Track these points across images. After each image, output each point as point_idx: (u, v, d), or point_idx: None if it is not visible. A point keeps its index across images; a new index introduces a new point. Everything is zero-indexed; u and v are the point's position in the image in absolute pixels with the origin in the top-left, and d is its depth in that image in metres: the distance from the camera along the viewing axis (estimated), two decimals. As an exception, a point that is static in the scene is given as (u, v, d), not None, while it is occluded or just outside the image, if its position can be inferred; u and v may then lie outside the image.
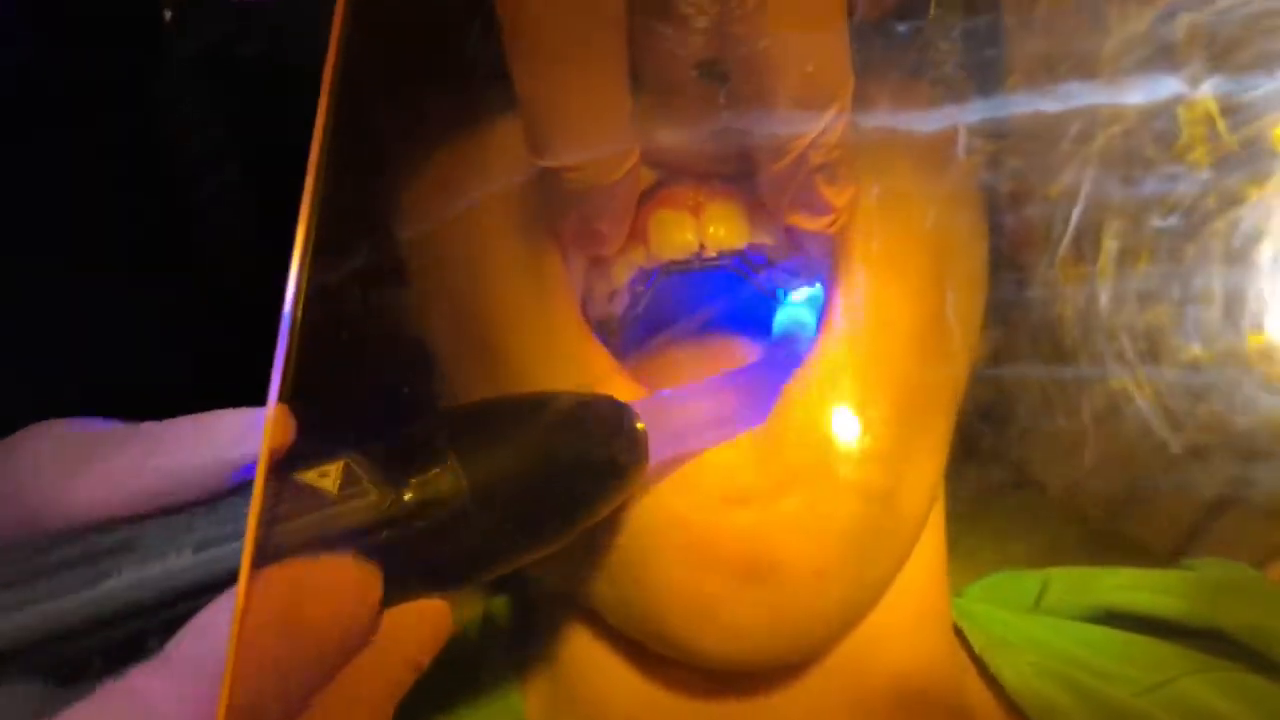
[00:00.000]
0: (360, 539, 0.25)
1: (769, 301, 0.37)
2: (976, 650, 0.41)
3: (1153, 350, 0.58)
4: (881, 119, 0.35)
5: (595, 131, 0.30)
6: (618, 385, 0.35)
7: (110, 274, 0.43)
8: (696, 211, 0.35)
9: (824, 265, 0.35)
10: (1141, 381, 0.58)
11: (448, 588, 0.27)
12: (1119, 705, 0.39)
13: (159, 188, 0.44)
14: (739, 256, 0.36)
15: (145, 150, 0.43)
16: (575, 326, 0.35)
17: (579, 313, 0.35)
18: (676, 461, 0.34)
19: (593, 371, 0.35)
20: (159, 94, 0.39)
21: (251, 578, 0.23)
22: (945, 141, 0.37)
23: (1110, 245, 0.56)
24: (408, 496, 0.26)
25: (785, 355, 0.36)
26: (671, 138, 0.33)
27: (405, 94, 0.37)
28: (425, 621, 0.27)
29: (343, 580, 0.25)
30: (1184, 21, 0.44)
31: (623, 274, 0.36)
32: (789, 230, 0.35)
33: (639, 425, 0.31)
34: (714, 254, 0.36)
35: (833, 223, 0.33)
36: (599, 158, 0.30)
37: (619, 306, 0.37)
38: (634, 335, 0.38)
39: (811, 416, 0.34)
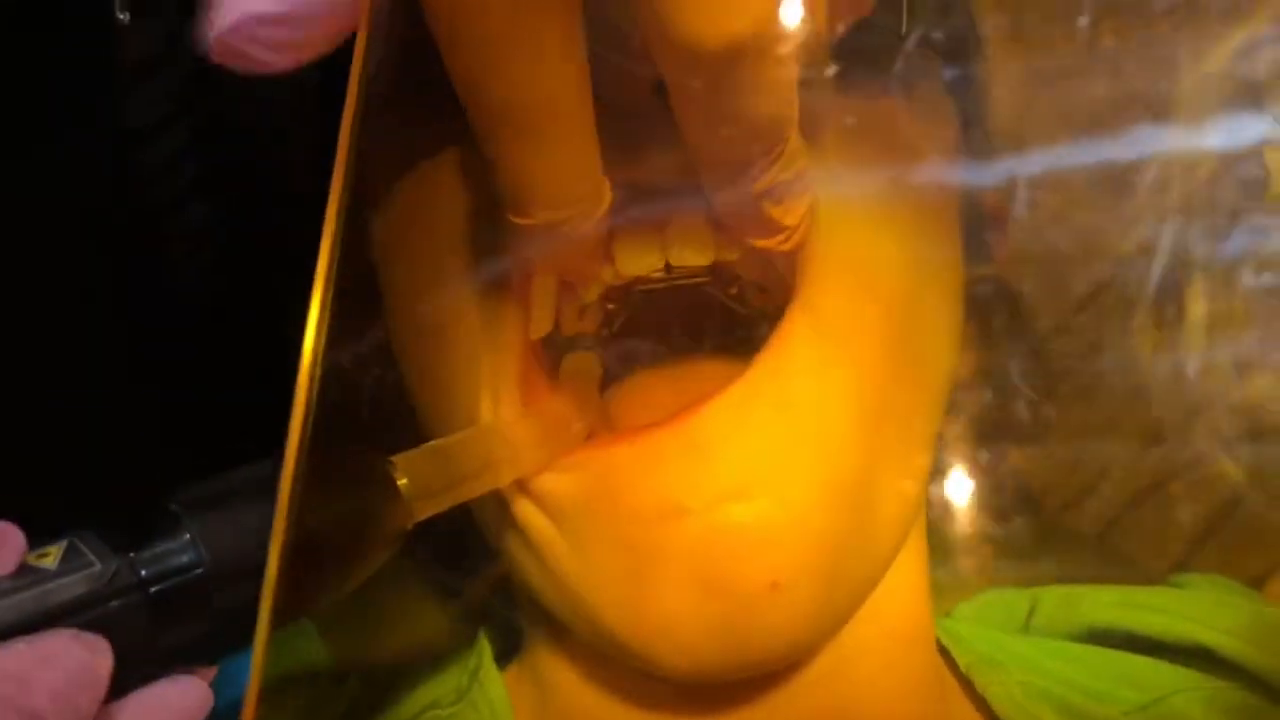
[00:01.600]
0: (85, 611, 0.24)
1: (742, 318, 0.37)
2: (963, 669, 0.39)
3: (1253, 428, 0.53)
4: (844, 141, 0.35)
5: (571, 189, 0.30)
6: (551, 408, 0.35)
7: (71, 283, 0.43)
8: (661, 229, 0.35)
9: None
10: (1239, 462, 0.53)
11: (199, 662, 0.26)
12: None
13: (118, 192, 0.44)
14: (709, 272, 0.36)
15: (102, 155, 0.43)
16: (516, 349, 0.35)
17: (523, 335, 0.35)
18: (604, 460, 0.33)
19: (529, 394, 0.35)
20: (114, 97, 0.39)
21: None
22: (916, 157, 0.37)
23: (1196, 308, 0.53)
24: (141, 569, 0.25)
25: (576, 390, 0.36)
26: (633, 160, 0.33)
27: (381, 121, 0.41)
28: (176, 700, 0.25)
29: (64, 652, 0.23)
30: (1267, 56, 0.43)
31: (592, 291, 0.36)
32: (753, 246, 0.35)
33: (401, 481, 0.29)
34: (680, 271, 0.35)
35: (786, 239, 0.32)
36: (580, 209, 0.30)
37: (591, 323, 0.36)
38: (614, 353, 0.37)
39: (757, 418, 0.32)
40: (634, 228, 0.35)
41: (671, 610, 0.32)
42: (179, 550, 0.25)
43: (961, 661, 0.40)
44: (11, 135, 0.40)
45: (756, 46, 0.26)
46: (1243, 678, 0.39)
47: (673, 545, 0.31)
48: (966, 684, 0.39)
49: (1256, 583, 0.60)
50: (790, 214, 0.32)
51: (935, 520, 0.52)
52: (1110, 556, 0.56)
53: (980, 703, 0.39)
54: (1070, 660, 0.41)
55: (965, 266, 0.42)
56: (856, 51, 0.37)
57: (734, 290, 0.36)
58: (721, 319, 0.36)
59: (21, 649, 0.23)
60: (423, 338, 0.37)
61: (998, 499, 0.62)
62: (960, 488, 0.53)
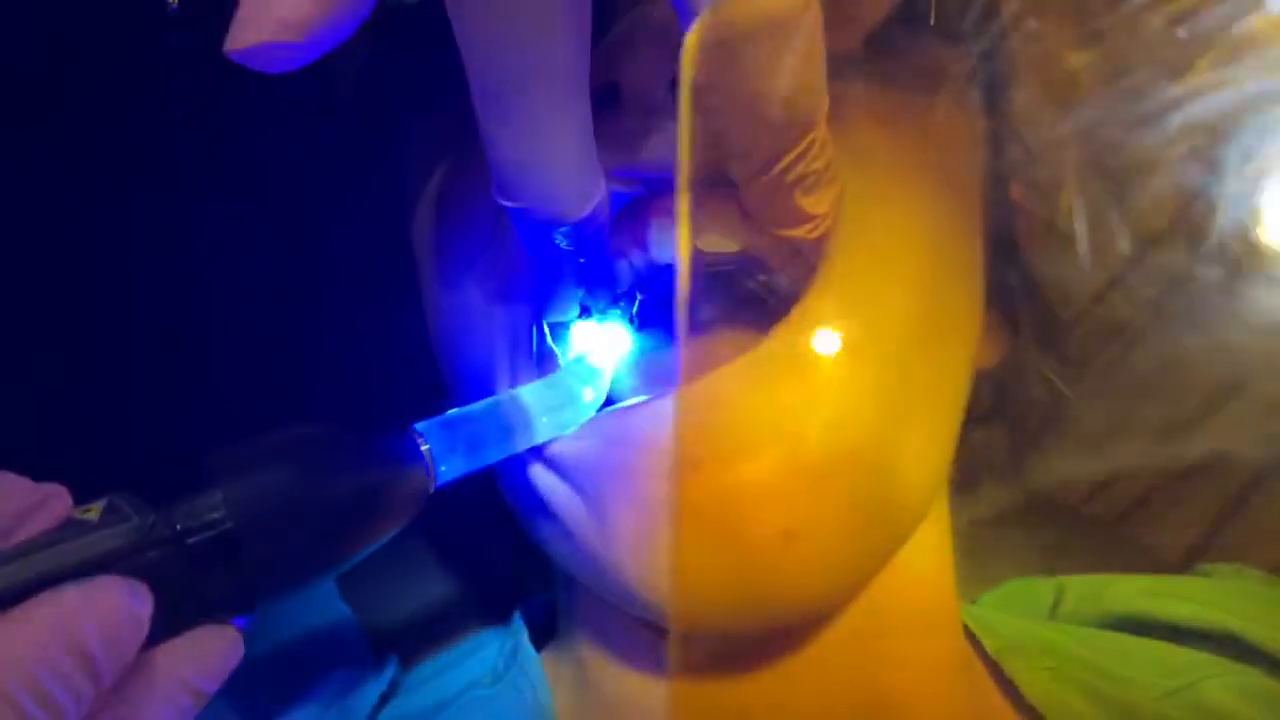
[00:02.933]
0: (126, 560, 0.25)
1: (770, 305, 0.37)
2: (992, 654, 0.40)
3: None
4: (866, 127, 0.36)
5: (562, 179, 0.30)
6: (564, 379, 0.35)
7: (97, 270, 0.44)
8: (692, 215, 0.35)
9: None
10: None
11: (231, 614, 0.27)
12: (1138, 709, 0.38)
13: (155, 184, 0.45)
14: (739, 260, 0.36)
15: (143, 143, 0.44)
16: (518, 335, 0.36)
17: (524, 323, 0.36)
18: (619, 425, 0.34)
19: (544, 366, 0.36)
20: (160, 87, 0.39)
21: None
22: (940, 137, 0.37)
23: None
24: (175, 522, 0.26)
25: (588, 364, 0.36)
26: (656, 156, 0.34)
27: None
28: (209, 647, 0.26)
29: (109, 595, 0.24)
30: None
31: (624, 279, 0.36)
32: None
33: (425, 447, 0.31)
34: (711, 258, 0.35)
35: (814, 228, 0.33)
36: (567, 200, 0.31)
37: (628, 311, 0.37)
38: (644, 335, 0.38)
39: (763, 385, 0.33)
40: (666, 216, 0.35)
41: (687, 562, 0.32)
42: (210, 507, 0.26)
43: (990, 646, 0.40)
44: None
45: (786, 22, 0.27)
46: (1269, 664, 0.40)
47: (687, 499, 0.32)
48: (995, 668, 0.40)
49: (1275, 570, 0.61)
50: (820, 203, 0.32)
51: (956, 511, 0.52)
52: (1129, 546, 0.56)
53: (1009, 687, 0.39)
54: (1097, 647, 0.41)
55: (990, 253, 0.43)
56: (885, 41, 0.37)
57: (763, 278, 0.36)
58: (751, 305, 0.36)
59: (71, 592, 0.24)
60: (447, 316, 0.38)
61: (1017, 490, 0.63)
62: (980, 479, 0.54)
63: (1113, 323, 0.64)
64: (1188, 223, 0.61)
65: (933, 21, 0.39)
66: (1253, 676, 0.39)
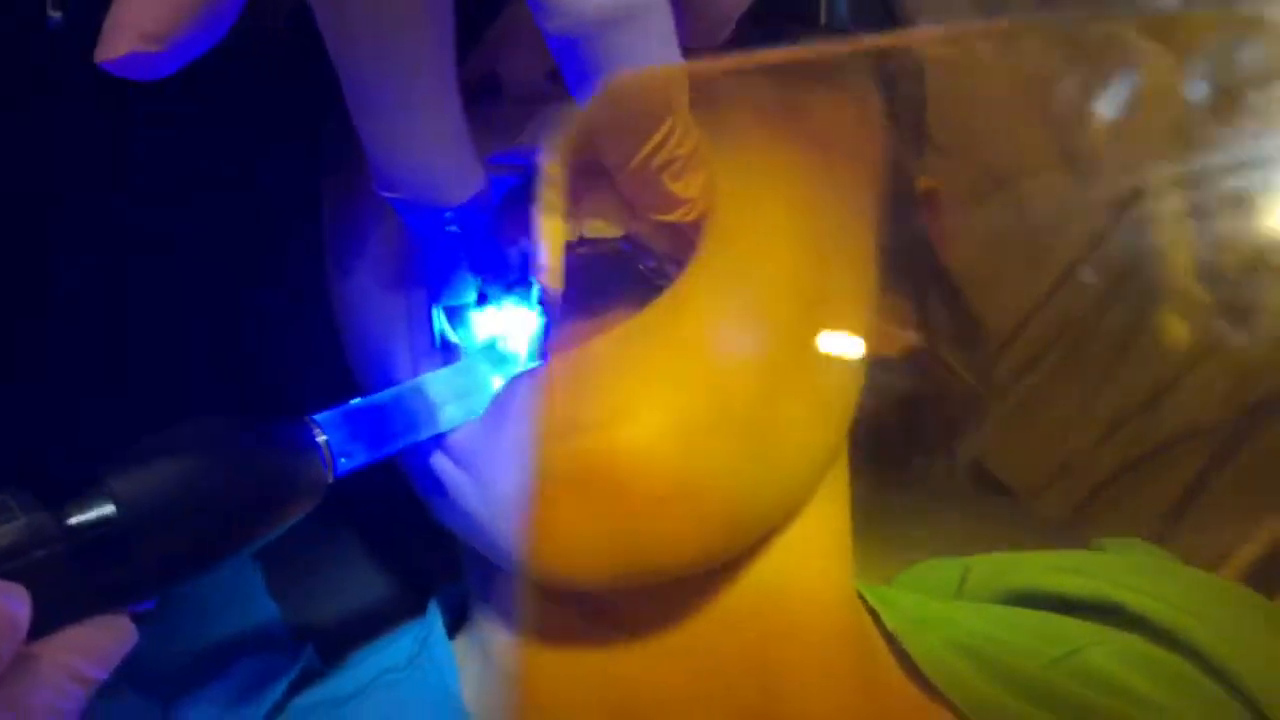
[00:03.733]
0: (10, 560, 0.26)
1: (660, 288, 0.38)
2: (890, 628, 0.41)
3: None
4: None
5: (434, 169, 0.31)
6: (466, 368, 0.37)
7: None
8: (575, 202, 0.36)
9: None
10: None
11: (123, 605, 0.28)
12: (1026, 675, 0.40)
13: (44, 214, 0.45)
14: (629, 245, 0.37)
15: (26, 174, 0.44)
16: (414, 323, 0.37)
17: (419, 311, 0.37)
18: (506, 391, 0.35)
19: (446, 356, 0.37)
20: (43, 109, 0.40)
21: None
22: (825, 130, 0.39)
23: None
24: (63, 519, 0.26)
25: (492, 350, 0.37)
26: (536, 142, 0.34)
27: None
28: (97, 637, 0.27)
29: None
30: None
31: (516, 263, 0.37)
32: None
33: (320, 439, 0.32)
34: (594, 243, 0.37)
35: (687, 212, 0.34)
36: (441, 189, 0.32)
37: (524, 298, 0.38)
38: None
39: (638, 354, 0.34)
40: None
41: (567, 523, 0.33)
42: (100, 504, 0.27)
43: (889, 622, 0.42)
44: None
45: (628, 14, 0.28)
46: (1148, 631, 0.42)
47: (565, 463, 0.33)
48: (893, 643, 0.41)
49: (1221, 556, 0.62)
50: (688, 187, 0.33)
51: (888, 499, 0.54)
52: (1043, 526, 0.58)
53: (905, 660, 0.41)
54: (993, 620, 0.43)
55: (899, 245, 0.44)
56: (772, 39, 0.39)
57: (653, 264, 0.38)
58: (645, 289, 0.37)
59: None
60: (350, 305, 0.39)
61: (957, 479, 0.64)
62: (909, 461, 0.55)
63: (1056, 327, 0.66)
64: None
65: (824, 21, 0.41)
66: (1133, 643, 0.41)
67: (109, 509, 0.27)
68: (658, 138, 0.31)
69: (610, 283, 0.38)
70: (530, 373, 0.35)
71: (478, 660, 0.41)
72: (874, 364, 0.44)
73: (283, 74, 0.40)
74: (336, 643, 0.43)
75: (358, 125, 0.31)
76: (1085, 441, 0.68)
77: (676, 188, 0.33)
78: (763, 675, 0.38)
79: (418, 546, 0.48)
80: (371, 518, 0.48)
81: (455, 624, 0.43)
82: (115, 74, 0.28)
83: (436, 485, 0.37)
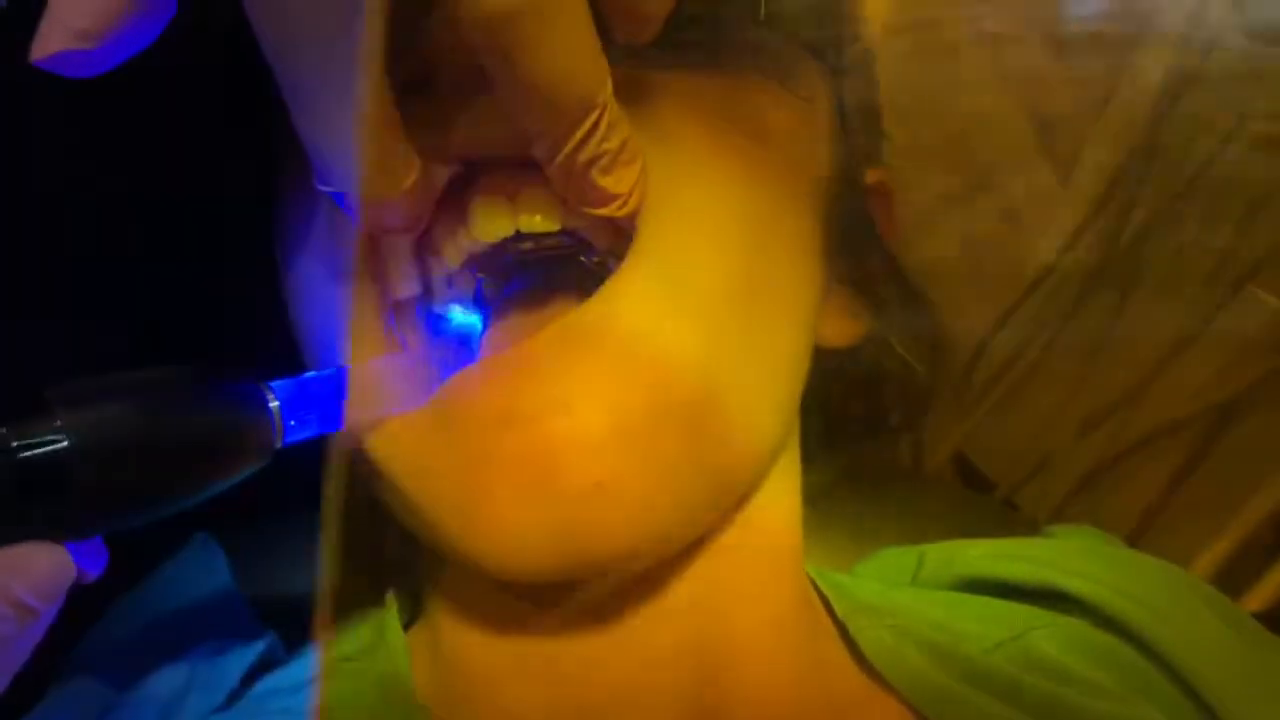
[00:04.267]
0: None
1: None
2: (839, 616, 0.42)
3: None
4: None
5: (366, 163, 0.31)
6: (403, 361, 0.37)
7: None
8: (512, 197, 0.37)
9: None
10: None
11: (59, 538, 0.28)
12: (971, 660, 0.40)
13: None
14: (572, 240, 0.38)
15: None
16: (366, 310, 0.38)
17: (371, 297, 0.38)
18: (448, 385, 0.35)
19: (370, 351, 0.37)
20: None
21: None
22: (762, 122, 0.39)
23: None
24: (10, 439, 0.27)
25: (439, 343, 0.38)
26: (470, 137, 0.35)
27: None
28: (34, 561, 0.27)
29: None
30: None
31: (454, 257, 0.38)
32: None
33: (273, 403, 0.32)
34: (533, 237, 0.37)
35: (621, 206, 0.34)
36: (375, 182, 0.32)
37: (463, 291, 0.39)
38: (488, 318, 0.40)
39: (575, 346, 0.35)
40: (486, 196, 0.37)
41: (504, 513, 0.34)
42: (47, 429, 0.28)
43: (839, 609, 0.42)
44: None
45: (532, 8, 0.28)
46: (1090, 615, 0.42)
47: (502, 452, 0.34)
48: (842, 630, 0.42)
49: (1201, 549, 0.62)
50: (620, 182, 0.34)
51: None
52: (1004, 515, 0.58)
53: (853, 646, 0.41)
54: (941, 606, 0.44)
55: (849, 239, 0.45)
56: (705, 31, 0.39)
57: (595, 258, 0.38)
58: (584, 286, 0.38)
59: None
60: (300, 298, 0.40)
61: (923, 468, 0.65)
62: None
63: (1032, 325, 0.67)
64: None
65: (762, 16, 0.42)
66: (1076, 627, 0.42)
67: (57, 439, 0.27)
68: (581, 132, 0.31)
69: (553, 277, 0.39)
70: (468, 368, 0.35)
71: (429, 650, 0.41)
72: (827, 353, 0.44)
73: (224, 71, 0.41)
74: (298, 630, 0.44)
75: (294, 119, 0.31)
76: (1065, 437, 0.68)
77: (606, 182, 0.33)
78: (706, 664, 0.39)
79: (380, 537, 0.48)
80: (337, 510, 0.49)
81: (415, 616, 0.44)
82: (49, 71, 0.28)
83: (381, 476, 0.37)
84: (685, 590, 0.38)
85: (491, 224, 0.37)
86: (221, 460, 0.31)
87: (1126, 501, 0.67)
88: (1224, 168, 0.62)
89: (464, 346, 0.39)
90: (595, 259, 0.38)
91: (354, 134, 0.31)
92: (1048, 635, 0.41)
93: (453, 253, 0.38)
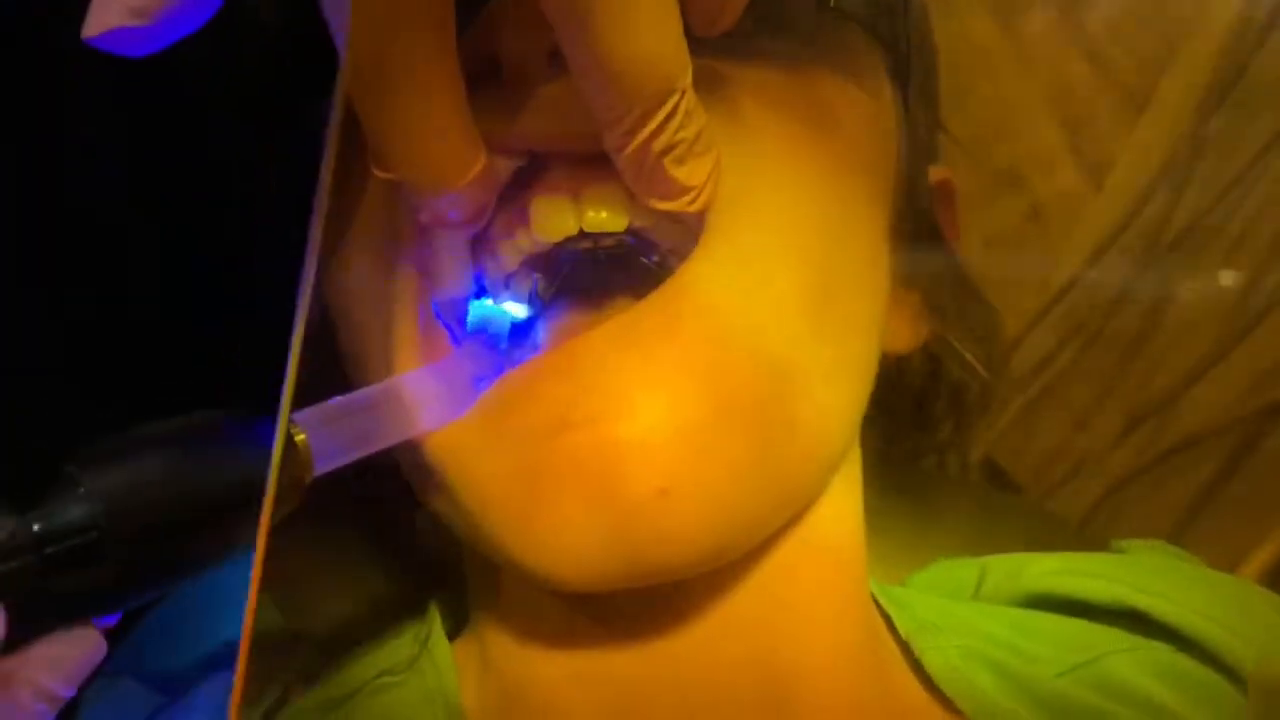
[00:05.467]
0: None
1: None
2: (902, 635, 0.40)
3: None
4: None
5: (431, 148, 0.30)
6: (452, 365, 0.35)
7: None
8: (576, 195, 0.35)
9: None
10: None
11: (90, 615, 0.27)
12: (1041, 685, 0.38)
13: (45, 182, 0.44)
14: (634, 239, 0.36)
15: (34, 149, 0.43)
16: (408, 314, 0.36)
17: (415, 301, 0.36)
18: (496, 390, 0.34)
19: (432, 353, 0.36)
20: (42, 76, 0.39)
21: None
22: (837, 120, 0.37)
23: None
24: (35, 527, 0.25)
25: (481, 347, 0.36)
26: (537, 127, 0.34)
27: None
28: (66, 651, 0.26)
29: None
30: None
31: (512, 258, 0.36)
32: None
33: (299, 437, 0.30)
34: (595, 236, 0.36)
35: (693, 200, 0.33)
36: (439, 170, 0.31)
37: (520, 293, 0.37)
38: (546, 319, 0.38)
39: (634, 347, 0.33)
40: (549, 193, 0.35)
41: (562, 522, 0.32)
42: (74, 508, 0.26)
43: (902, 628, 0.40)
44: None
45: None
46: (1171, 639, 0.40)
47: (558, 460, 0.32)
48: (906, 649, 0.40)
49: (1237, 558, 0.61)
50: (693, 174, 0.32)
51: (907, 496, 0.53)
52: (1060, 526, 0.57)
53: (918, 666, 0.40)
54: (1010, 624, 0.41)
55: (914, 239, 0.43)
56: (778, 19, 0.37)
57: (656, 258, 0.37)
58: (646, 284, 0.36)
59: None
60: (347, 293, 0.38)
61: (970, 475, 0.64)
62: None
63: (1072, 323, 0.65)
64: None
65: (833, 3, 0.40)
66: (1157, 651, 0.40)
67: (82, 511, 0.26)
68: (658, 119, 0.30)
69: (612, 276, 0.37)
70: (522, 367, 0.34)
71: (477, 663, 0.40)
72: (886, 358, 0.43)
73: (277, 55, 0.39)
74: (334, 644, 0.42)
75: (356, 102, 0.29)
76: (1100, 441, 0.67)
77: (679, 174, 0.32)
78: (768, 681, 0.37)
79: (419, 547, 0.47)
80: (372, 518, 0.47)
81: (456, 626, 0.42)
82: (102, 49, 0.27)
83: (432, 484, 0.36)
84: (746, 603, 0.37)
85: (554, 222, 0.35)
86: (251, 509, 0.28)
87: (1161, 510, 0.66)
88: (1268, 174, 0.62)
89: (515, 349, 0.36)
90: (656, 259, 0.36)
91: (422, 117, 0.30)
92: (1128, 660, 0.39)
93: (510, 252, 0.36)
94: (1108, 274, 0.66)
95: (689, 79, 0.30)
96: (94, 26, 0.27)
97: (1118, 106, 0.67)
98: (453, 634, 0.42)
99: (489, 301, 0.36)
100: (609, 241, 0.36)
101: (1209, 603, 0.41)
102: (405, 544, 0.47)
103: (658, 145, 0.30)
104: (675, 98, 0.30)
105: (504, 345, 0.36)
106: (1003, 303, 0.66)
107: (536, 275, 0.37)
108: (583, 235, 0.35)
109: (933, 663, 0.39)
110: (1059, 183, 0.69)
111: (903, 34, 0.42)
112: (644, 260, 0.36)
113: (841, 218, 0.37)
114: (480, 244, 0.36)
